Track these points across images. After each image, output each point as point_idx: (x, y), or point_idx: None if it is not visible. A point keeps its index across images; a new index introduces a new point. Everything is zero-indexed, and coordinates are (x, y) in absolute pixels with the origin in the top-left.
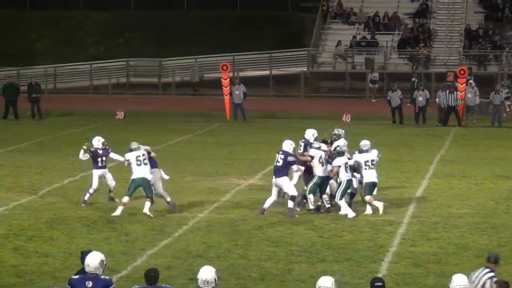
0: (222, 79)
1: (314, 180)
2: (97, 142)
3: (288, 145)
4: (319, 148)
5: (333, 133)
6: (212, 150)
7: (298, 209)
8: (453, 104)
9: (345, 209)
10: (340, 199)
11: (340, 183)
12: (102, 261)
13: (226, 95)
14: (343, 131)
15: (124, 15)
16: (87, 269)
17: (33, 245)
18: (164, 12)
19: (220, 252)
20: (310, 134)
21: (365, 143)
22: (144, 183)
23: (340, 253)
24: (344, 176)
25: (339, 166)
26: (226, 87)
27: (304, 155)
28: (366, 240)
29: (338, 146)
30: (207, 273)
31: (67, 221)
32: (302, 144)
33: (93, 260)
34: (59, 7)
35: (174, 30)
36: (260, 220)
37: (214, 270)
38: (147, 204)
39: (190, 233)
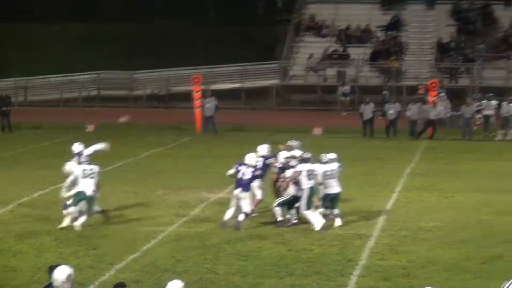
0: (193, 92)
1: (287, 197)
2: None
3: (263, 150)
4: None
5: (287, 144)
6: (183, 164)
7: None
8: (434, 118)
9: (313, 219)
10: (307, 209)
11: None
12: (69, 275)
13: (197, 108)
14: (299, 142)
15: (95, 28)
16: (54, 284)
17: (1, 259)
18: (135, 24)
19: (189, 266)
20: (265, 149)
21: (329, 156)
22: (87, 198)
23: (309, 267)
24: (306, 183)
25: (300, 172)
26: (197, 100)
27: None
28: (335, 253)
29: (304, 153)
30: (175, 287)
31: (36, 235)
32: (261, 160)
33: (61, 274)
34: (30, 19)
35: (146, 42)
36: (229, 234)
37: (183, 284)
38: (82, 218)
39: (159, 247)
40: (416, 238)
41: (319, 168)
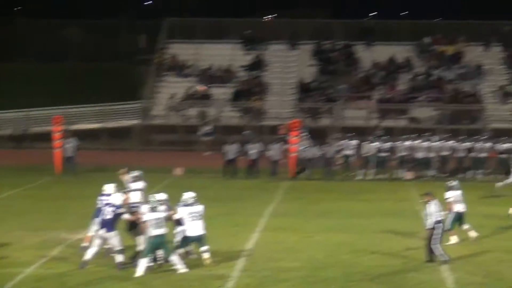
0: (53, 132)
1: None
2: None
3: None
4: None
5: (132, 176)
6: (42, 204)
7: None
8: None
9: (178, 264)
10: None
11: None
12: None
13: (58, 149)
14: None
15: None
16: None
17: None
18: None
19: None
20: (112, 188)
21: (189, 195)
22: None
23: None
24: (153, 231)
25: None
26: (57, 140)
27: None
28: None
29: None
30: None
31: None
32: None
33: None
34: None
35: (7, 82)
36: (89, 275)
37: None
38: None
39: None
40: (277, 279)
41: (182, 210)
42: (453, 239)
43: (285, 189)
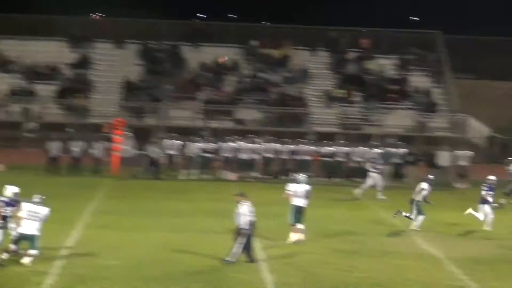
0: None
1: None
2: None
3: None
4: None
5: None
6: None
7: None
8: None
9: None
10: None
11: None
12: None
13: None
14: None
15: None
16: None
17: None
18: None
19: None
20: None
21: (12, 189)
22: None
23: None
24: None
25: None
26: None
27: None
28: None
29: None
30: None
31: None
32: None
33: None
34: None
35: None
36: None
37: None
38: None
39: None
40: (97, 275)
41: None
42: (294, 236)
43: (108, 188)
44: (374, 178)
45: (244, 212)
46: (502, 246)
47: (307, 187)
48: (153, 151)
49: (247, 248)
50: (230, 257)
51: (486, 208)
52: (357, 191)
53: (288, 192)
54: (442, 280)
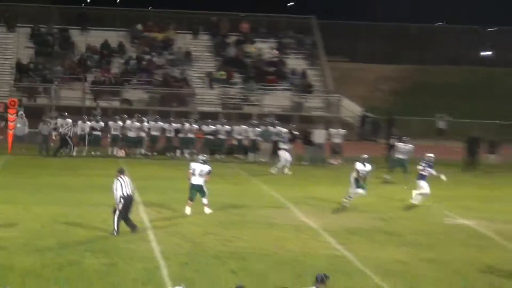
0: None
1: None
2: None
3: None
4: None
5: None
6: None
7: None
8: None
9: None
10: None
11: None
12: None
13: None
14: None
15: None
16: None
17: None
18: None
19: None
20: None
21: None
22: None
23: None
24: None
25: None
26: None
27: None
28: None
29: None
30: None
31: None
32: None
33: None
34: None
35: None
36: None
37: None
38: None
39: None
40: None
41: None
42: (187, 210)
43: (2, 164)
44: (283, 154)
45: (117, 187)
46: (379, 218)
47: (206, 167)
48: (44, 129)
49: (125, 219)
50: (114, 230)
51: (422, 183)
52: (273, 170)
53: (188, 170)
54: (320, 250)
